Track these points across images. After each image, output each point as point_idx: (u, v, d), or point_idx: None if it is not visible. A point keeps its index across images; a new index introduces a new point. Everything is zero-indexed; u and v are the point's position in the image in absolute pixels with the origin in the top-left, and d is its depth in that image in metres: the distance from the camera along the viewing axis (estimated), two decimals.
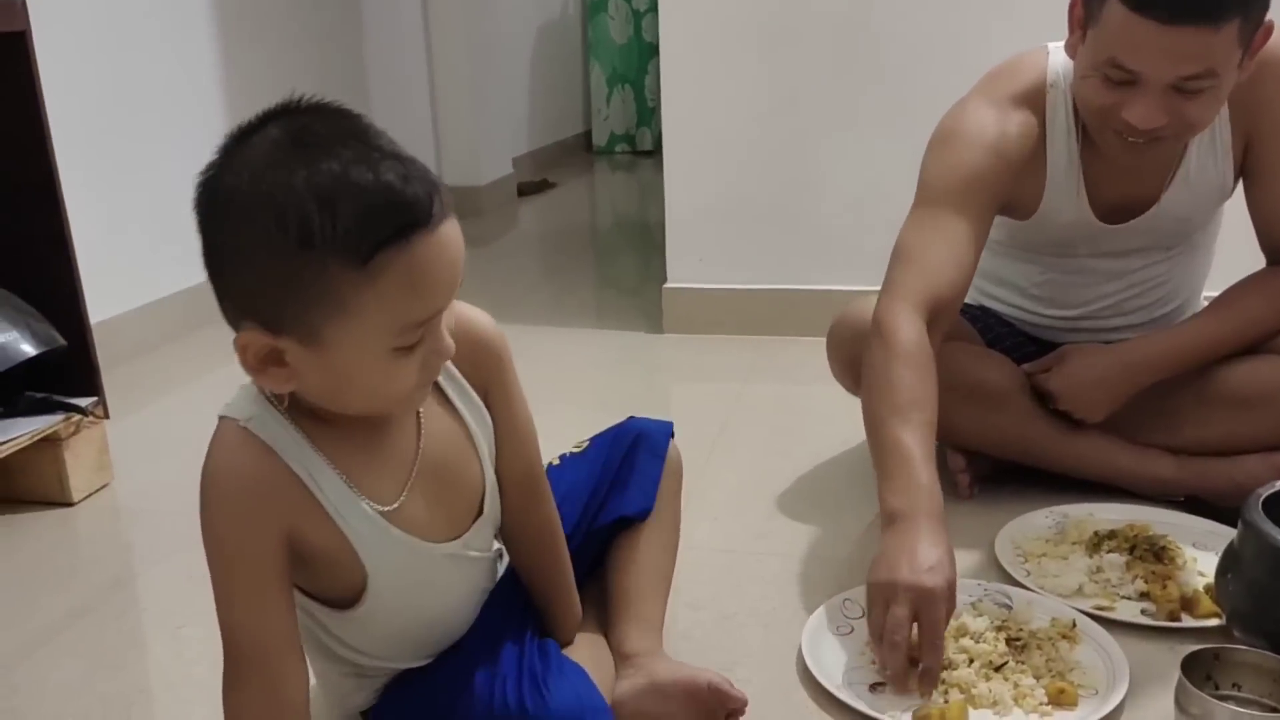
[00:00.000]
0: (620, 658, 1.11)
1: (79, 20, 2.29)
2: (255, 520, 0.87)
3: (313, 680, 0.98)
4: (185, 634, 1.33)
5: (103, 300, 2.18)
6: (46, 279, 1.76)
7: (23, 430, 1.63)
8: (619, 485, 1.17)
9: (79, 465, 1.70)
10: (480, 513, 1.01)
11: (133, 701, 1.21)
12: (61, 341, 1.69)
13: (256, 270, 0.79)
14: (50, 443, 1.66)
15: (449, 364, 0.95)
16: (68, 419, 1.68)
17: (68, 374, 1.75)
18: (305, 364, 0.82)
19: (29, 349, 1.64)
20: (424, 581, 0.98)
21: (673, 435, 1.21)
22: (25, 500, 1.70)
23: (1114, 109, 1.31)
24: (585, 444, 1.21)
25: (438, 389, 0.97)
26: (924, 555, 1.13)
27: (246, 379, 0.88)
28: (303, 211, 0.76)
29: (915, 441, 1.24)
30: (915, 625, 1.11)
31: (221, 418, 0.89)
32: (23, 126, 1.70)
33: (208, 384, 2.34)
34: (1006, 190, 1.45)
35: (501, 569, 1.11)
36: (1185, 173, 1.47)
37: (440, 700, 1.00)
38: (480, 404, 1.00)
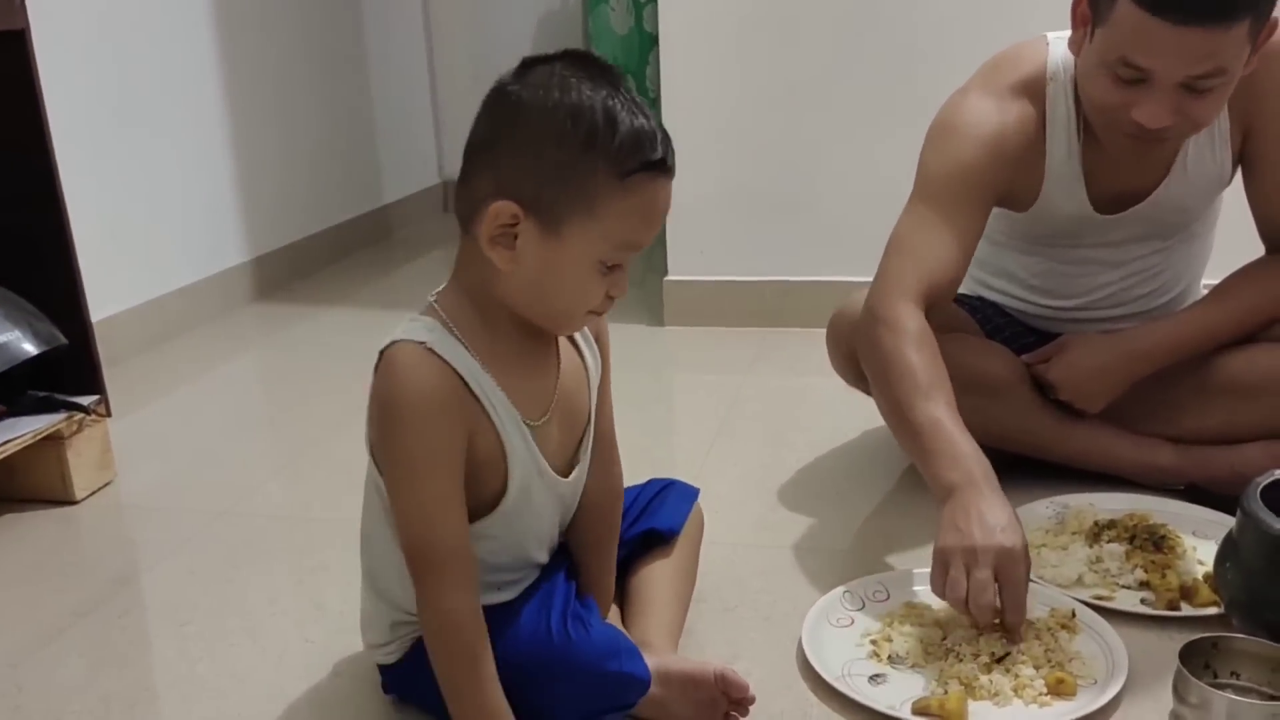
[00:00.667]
0: (638, 645, 1.12)
1: (78, 18, 2.29)
2: (447, 428, 0.97)
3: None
4: (189, 631, 1.34)
5: (103, 298, 2.18)
6: (47, 277, 1.76)
7: (25, 429, 1.63)
8: (648, 512, 1.27)
9: (82, 464, 1.71)
10: (579, 448, 1.11)
11: (136, 700, 1.21)
12: (63, 340, 1.70)
13: (540, 156, 0.93)
14: (53, 441, 1.67)
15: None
16: (70, 417, 1.68)
17: (69, 372, 1.75)
18: (531, 250, 0.95)
19: (30, 348, 1.64)
20: (540, 504, 1.08)
21: (698, 497, 1.33)
22: (28, 499, 1.70)
23: (1123, 108, 1.31)
24: None
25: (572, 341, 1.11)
26: (994, 517, 1.16)
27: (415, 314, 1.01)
28: (593, 120, 0.92)
29: (948, 416, 1.27)
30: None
31: (393, 343, 0.97)
32: (22, 125, 1.71)
33: (209, 381, 2.35)
34: (1004, 183, 1.45)
35: None
36: (1183, 163, 1.46)
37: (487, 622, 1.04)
38: (598, 350, 1.13)
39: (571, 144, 0.92)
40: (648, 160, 0.93)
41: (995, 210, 1.51)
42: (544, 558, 1.14)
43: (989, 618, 1.14)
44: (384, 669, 1.14)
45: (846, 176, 2.37)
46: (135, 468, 1.83)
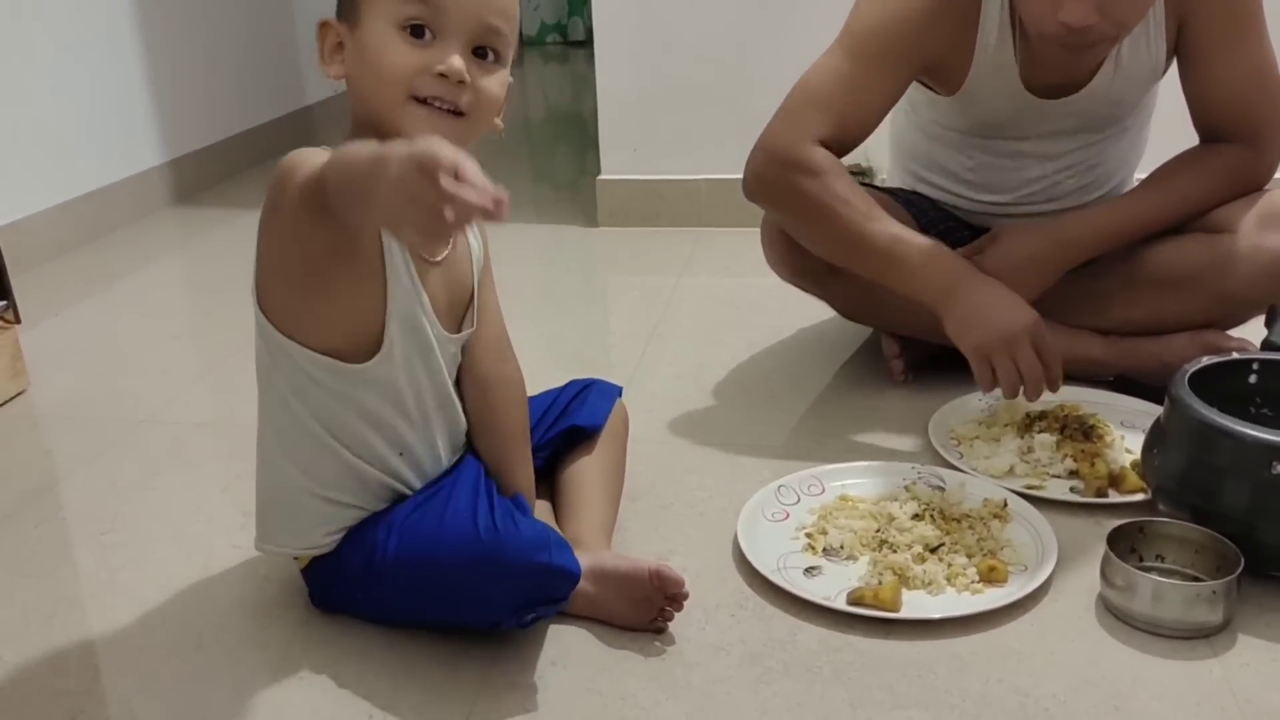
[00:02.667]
0: (570, 544, 1.10)
1: None
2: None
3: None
4: (110, 540, 1.30)
5: (7, 202, 2.08)
6: None
7: None
8: (568, 411, 1.27)
9: None
10: (464, 316, 1.12)
11: (55, 610, 1.18)
12: None
13: None
14: None
15: None
16: None
17: None
18: (350, 47, 0.98)
19: None
20: (428, 352, 1.06)
21: (620, 395, 1.33)
22: None
23: (1050, 13, 1.28)
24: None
25: None
26: (1004, 299, 1.31)
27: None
28: None
29: (900, 229, 1.35)
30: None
31: (294, 153, 0.93)
32: None
33: (126, 287, 2.26)
34: (932, 51, 1.43)
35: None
36: (1117, 55, 1.44)
37: (410, 526, 1.04)
38: (480, 236, 1.14)
39: None
40: None
41: (926, 98, 1.49)
42: (444, 415, 1.11)
43: (1041, 389, 1.29)
44: (309, 574, 1.11)
45: (780, 71, 2.28)
46: (49, 377, 1.76)
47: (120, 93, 2.66)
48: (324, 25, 1.00)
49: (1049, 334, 1.30)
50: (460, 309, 1.12)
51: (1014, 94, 1.46)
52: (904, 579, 1.11)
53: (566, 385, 1.32)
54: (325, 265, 0.96)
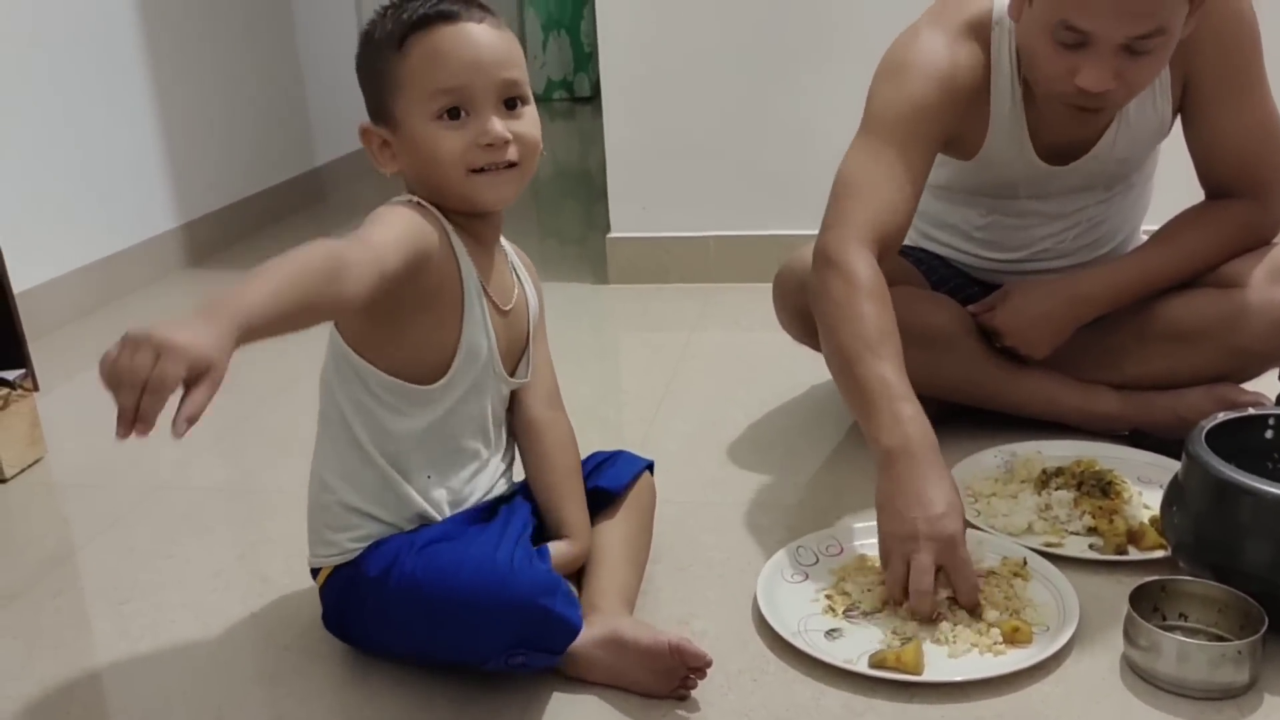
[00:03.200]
0: (587, 608, 1.12)
1: None
2: (420, 224, 1.05)
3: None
4: (128, 610, 1.30)
5: (25, 269, 2.10)
6: None
7: None
8: (594, 475, 1.27)
9: (10, 440, 1.65)
10: (519, 363, 1.20)
11: (76, 682, 1.18)
12: None
13: (359, 78, 1.11)
14: None
15: (516, 259, 1.22)
16: None
17: None
18: (399, 145, 1.08)
19: None
20: (483, 384, 1.15)
21: (651, 469, 1.33)
22: None
23: (1065, 76, 1.30)
24: None
25: (513, 268, 1.21)
26: (933, 497, 1.14)
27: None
28: (372, 25, 1.09)
29: (894, 375, 1.24)
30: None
31: (388, 205, 1.06)
32: None
33: None
34: (953, 124, 1.44)
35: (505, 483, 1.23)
36: (1125, 115, 1.46)
37: (435, 547, 1.06)
38: (533, 285, 1.24)
39: (365, 52, 1.09)
40: (414, 21, 1.04)
41: (940, 159, 1.50)
42: (481, 450, 1.18)
43: (928, 605, 1.12)
44: (326, 589, 1.14)
45: (788, 129, 2.35)
46: (65, 443, 1.77)
47: (133, 158, 2.69)
48: (365, 132, 1.10)
49: (965, 554, 1.14)
50: (516, 355, 1.20)
51: (1026, 157, 1.48)
52: (932, 636, 1.10)
53: (593, 455, 1.32)
54: (410, 311, 1.06)
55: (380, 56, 1.07)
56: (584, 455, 1.30)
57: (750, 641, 1.16)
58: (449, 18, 1.05)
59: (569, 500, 1.21)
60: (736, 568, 1.29)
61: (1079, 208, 1.56)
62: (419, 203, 1.07)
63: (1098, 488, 1.35)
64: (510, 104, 1.08)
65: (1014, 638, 1.10)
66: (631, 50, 2.36)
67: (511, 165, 1.08)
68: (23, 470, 1.68)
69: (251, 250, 2.99)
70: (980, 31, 1.43)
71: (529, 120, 1.09)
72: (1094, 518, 1.31)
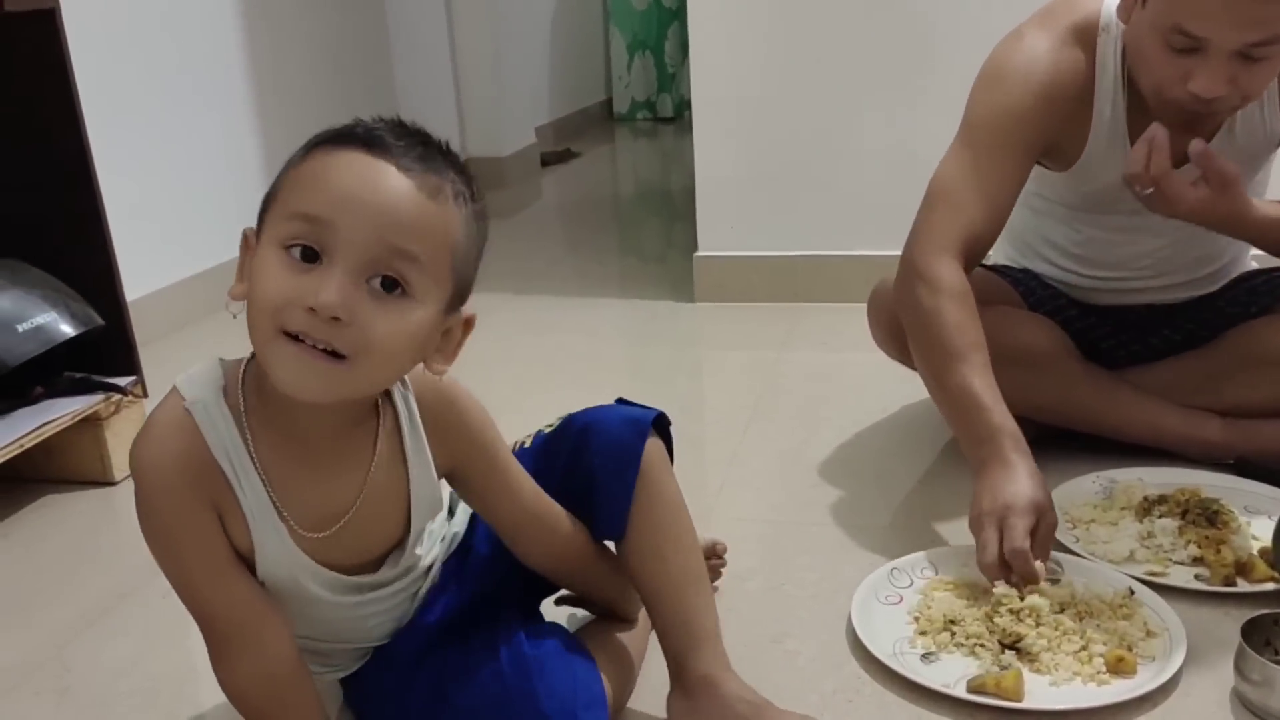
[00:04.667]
0: (686, 677, 1.02)
1: None
2: (190, 498, 0.86)
3: None
4: None
5: (137, 279, 2.18)
6: (81, 258, 1.75)
7: (63, 411, 1.63)
8: (580, 503, 1.06)
9: (120, 445, 1.71)
10: (391, 551, 0.98)
11: (183, 681, 1.21)
12: (99, 321, 1.70)
13: None
14: (91, 423, 1.67)
15: (415, 419, 0.94)
16: (107, 399, 1.68)
17: (105, 353, 1.75)
18: (249, 264, 0.83)
19: (68, 329, 1.64)
20: (309, 599, 0.94)
21: (657, 426, 1.06)
22: (67, 480, 1.70)
23: (1178, 81, 1.28)
24: (556, 424, 1.09)
25: (398, 441, 0.94)
26: (1022, 479, 1.21)
27: (218, 356, 0.90)
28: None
29: (983, 385, 1.29)
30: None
31: (174, 389, 0.87)
32: (54, 105, 1.69)
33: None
34: (1052, 133, 1.42)
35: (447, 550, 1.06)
36: (1230, 126, 1.43)
37: (423, 677, 1.00)
38: (431, 467, 0.96)
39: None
40: (334, 135, 0.83)
41: (1036, 173, 1.49)
42: (377, 636, 1.02)
43: (1027, 562, 1.14)
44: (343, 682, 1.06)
45: (876, 149, 2.34)
46: None
47: (237, 169, 2.78)
48: (245, 237, 0.85)
49: (1054, 520, 1.21)
50: (383, 549, 0.97)
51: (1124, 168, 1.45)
52: (1028, 656, 1.09)
53: (569, 460, 1.05)
54: None
55: (289, 162, 0.85)
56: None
57: (845, 663, 1.15)
58: (372, 145, 0.81)
59: (606, 590, 1.10)
60: (830, 588, 1.29)
61: (1180, 224, 1.53)
62: (187, 415, 0.85)
63: (1203, 516, 1.32)
64: (387, 284, 0.79)
65: (1118, 668, 1.08)
66: (722, 69, 2.37)
67: (336, 355, 0.79)
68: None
69: None
70: (1086, 36, 1.41)
71: (399, 320, 0.80)
72: (1200, 547, 1.28)
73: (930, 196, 1.42)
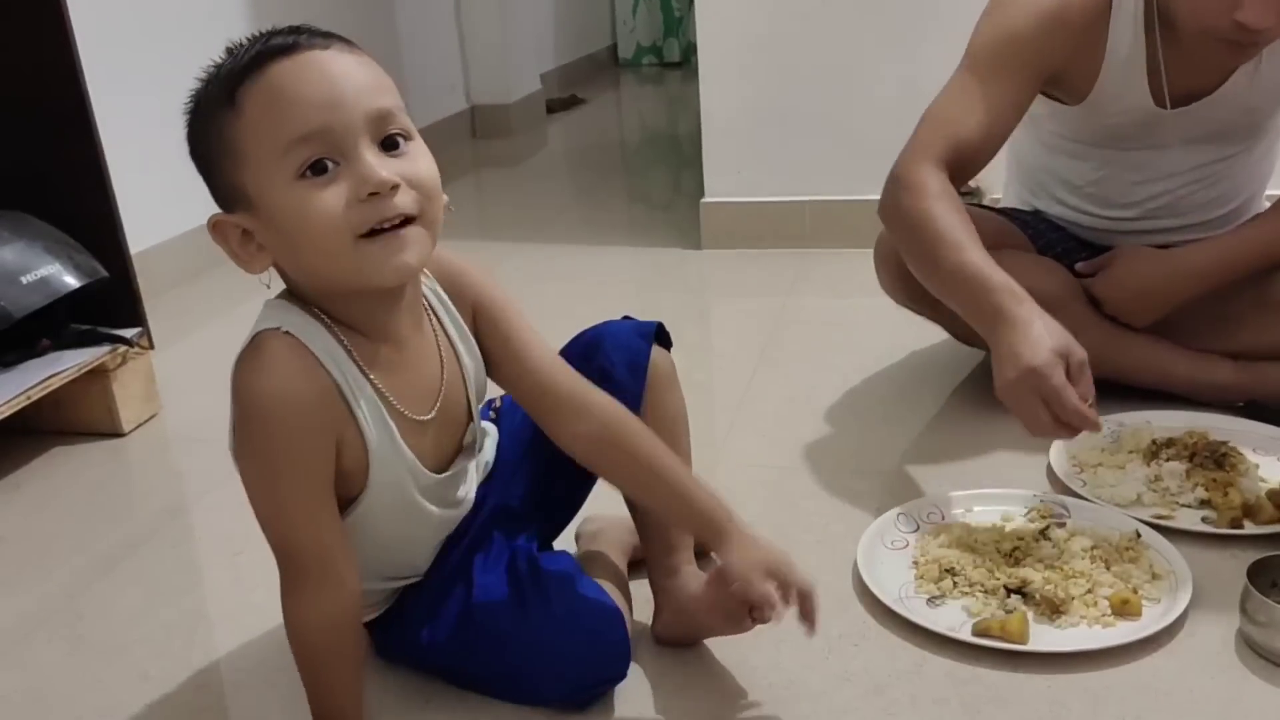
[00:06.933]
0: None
1: None
2: (314, 421, 0.87)
3: None
4: (242, 561, 1.34)
5: (141, 230, 2.17)
6: (84, 210, 1.74)
7: (70, 363, 1.63)
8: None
9: (128, 396, 1.71)
10: (460, 449, 1.02)
11: (194, 628, 1.23)
12: (104, 273, 1.69)
13: (196, 164, 0.88)
14: (98, 375, 1.67)
15: (444, 299, 0.98)
16: (114, 350, 1.68)
17: (111, 305, 1.75)
18: (262, 229, 0.85)
19: (72, 281, 1.64)
20: (409, 505, 0.98)
21: (656, 335, 1.12)
22: (77, 432, 1.71)
23: (1224, 10, 1.25)
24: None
25: (440, 323, 0.98)
26: (1033, 331, 1.18)
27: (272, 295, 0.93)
28: (196, 95, 0.87)
29: (974, 258, 1.27)
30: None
31: (258, 332, 0.89)
32: (52, 53, 1.68)
33: (250, 310, 2.32)
34: (1059, 60, 1.41)
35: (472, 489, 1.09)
36: (1257, 62, 1.40)
37: (438, 601, 1.04)
38: (472, 339, 1.00)
39: (194, 130, 0.88)
40: (241, 68, 0.83)
41: (1050, 108, 1.46)
42: (425, 564, 1.07)
43: (1081, 412, 1.14)
44: (369, 627, 1.08)
45: (885, 91, 2.30)
46: (180, 400, 1.83)
47: None
48: (218, 226, 0.87)
49: (1085, 356, 1.18)
50: (457, 436, 1.02)
51: (1140, 99, 1.43)
52: (1039, 600, 1.09)
53: (579, 348, 1.11)
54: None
55: (212, 125, 0.84)
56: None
57: (850, 606, 1.16)
58: (284, 51, 0.82)
59: (693, 493, 1.02)
60: (836, 533, 1.29)
61: (1197, 164, 1.51)
62: (286, 332, 0.87)
63: (1211, 459, 1.32)
64: (389, 143, 0.85)
65: (1123, 610, 1.08)
66: (729, 11, 2.33)
67: (408, 221, 0.84)
68: (139, 425, 1.74)
69: None
70: None
71: (418, 159, 0.86)
72: (1207, 490, 1.27)
73: (925, 116, 1.43)
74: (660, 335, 1.13)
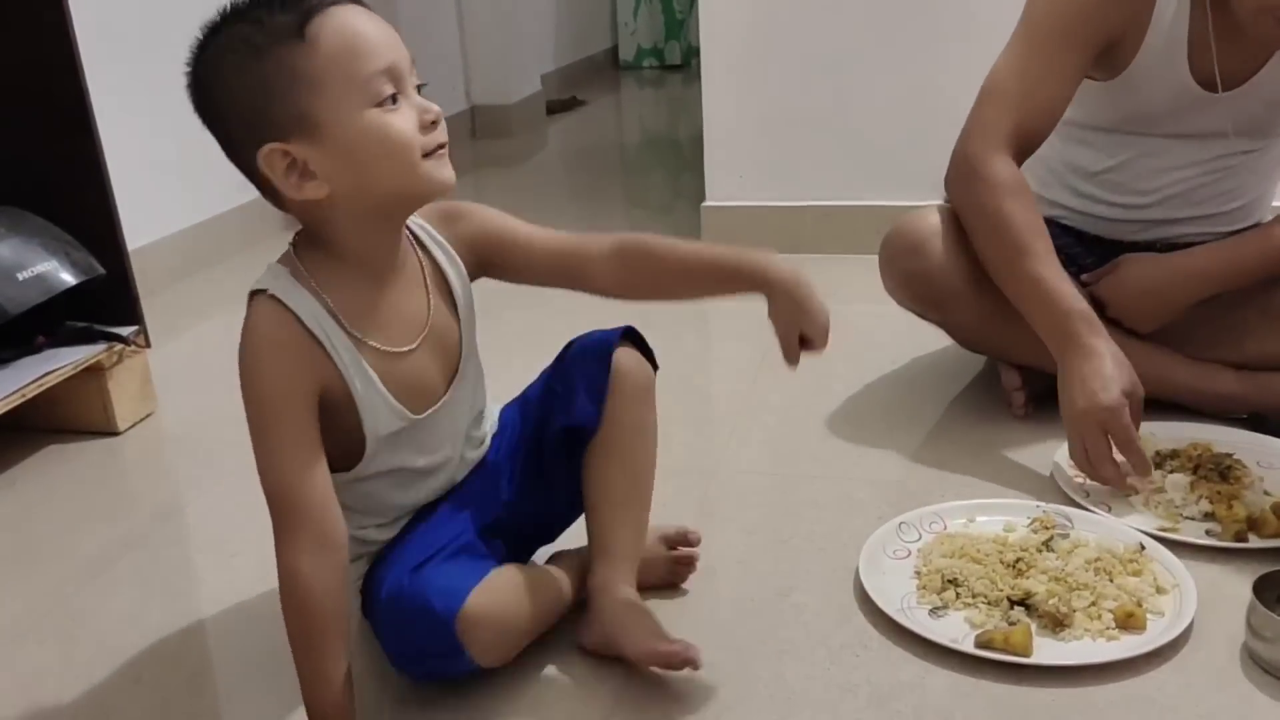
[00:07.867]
0: (588, 583, 1.11)
1: None
2: (292, 377, 0.95)
3: None
4: (237, 563, 1.33)
5: (138, 228, 2.16)
6: (82, 206, 1.73)
7: (65, 360, 1.62)
8: (561, 397, 1.13)
9: (123, 394, 1.70)
10: (455, 373, 1.08)
11: (189, 629, 1.21)
12: (100, 270, 1.68)
13: (242, 99, 0.93)
14: (93, 372, 1.66)
15: (431, 231, 1.08)
16: (110, 348, 1.67)
17: (107, 303, 1.73)
18: (324, 161, 0.93)
19: (69, 278, 1.62)
20: (412, 436, 1.04)
21: (626, 338, 1.14)
22: (72, 430, 1.70)
23: None
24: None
25: (429, 255, 1.06)
26: (1105, 365, 1.28)
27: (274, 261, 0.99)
28: (239, 34, 0.92)
29: (1052, 273, 1.35)
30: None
31: (253, 293, 0.97)
32: (51, 48, 1.67)
33: (242, 311, 2.32)
34: (1113, 28, 1.41)
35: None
36: None
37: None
38: (462, 268, 1.08)
39: (244, 64, 0.92)
40: (310, 6, 0.91)
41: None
42: (450, 477, 1.12)
43: (1145, 460, 1.27)
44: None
45: (888, 99, 2.30)
46: (176, 398, 1.82)
47: None
48: (271, 154, 0.92)
49: (1123, 422, 1.26)
50: (451, 366, 1.08)
51: (1178, 75, 1.42)
52: (1042, 613, 1.08)
53: (553, 369, 1.17)
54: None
55: (274, 58, 0.90)
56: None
57: (853, 616, 1.15)
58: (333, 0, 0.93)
59: (721, 260, 1.19)
60: (839, 542, 1.28)
61: (1217, 154, 1.49)
62: (273, 296, 0.95)
63: (1216, 472, 1.31)
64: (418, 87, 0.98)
65: (1127, 623, 1.07)
66: (732, 16, 2.32)
67: (442, 146, 0.98)
68: (135, 424, 1.73)
69: None
70: None
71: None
72: (1211, 503, 1.26)
73: (983, 93, 1.45)
74: (638, 341, 1.16)
